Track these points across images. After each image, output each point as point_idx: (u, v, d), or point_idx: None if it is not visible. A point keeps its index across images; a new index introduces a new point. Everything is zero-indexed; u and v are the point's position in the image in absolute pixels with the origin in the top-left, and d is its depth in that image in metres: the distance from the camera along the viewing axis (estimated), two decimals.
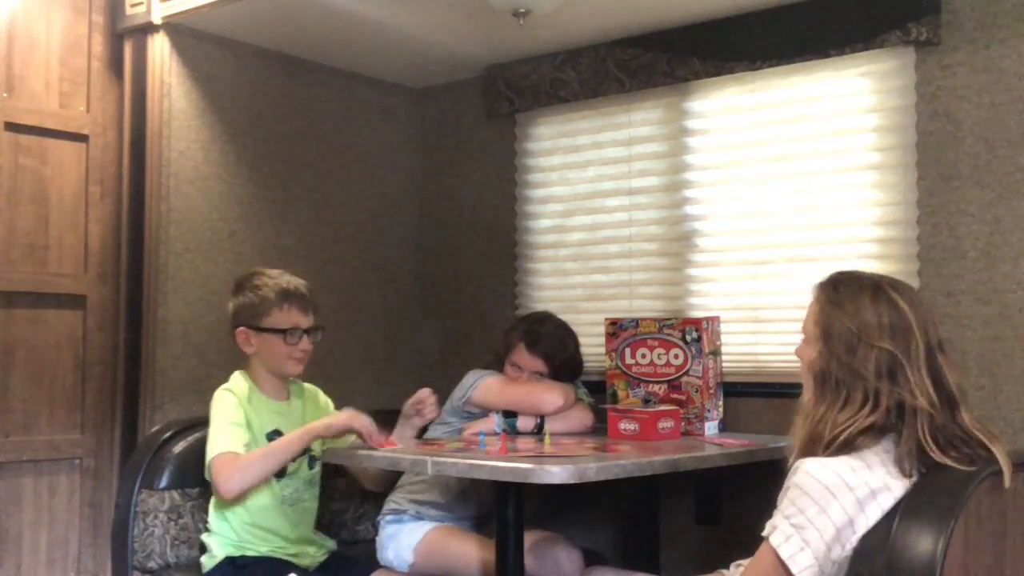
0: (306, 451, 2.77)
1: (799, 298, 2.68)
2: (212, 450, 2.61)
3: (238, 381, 2.76)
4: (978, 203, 2.77)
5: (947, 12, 2.82)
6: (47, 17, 3.29)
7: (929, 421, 1.78)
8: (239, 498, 2.63)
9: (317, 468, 2.84)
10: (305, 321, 2.76)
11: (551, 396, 2.93)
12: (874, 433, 1.80)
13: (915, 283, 2.86)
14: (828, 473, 1.74)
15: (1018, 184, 2.71)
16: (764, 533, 1.77)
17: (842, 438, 1.79)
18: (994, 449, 1.78)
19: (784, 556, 1.72)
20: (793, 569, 1.71)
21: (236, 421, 2.65)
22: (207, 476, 2.62)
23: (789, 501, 1.75)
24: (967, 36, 2.79)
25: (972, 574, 1.70)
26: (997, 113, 2.75)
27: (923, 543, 1.62)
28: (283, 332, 2.72)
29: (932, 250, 2.84)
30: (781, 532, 1.74)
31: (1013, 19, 2.73)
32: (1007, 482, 1.76)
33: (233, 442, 2.61)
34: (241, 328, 2.74)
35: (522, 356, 3.04)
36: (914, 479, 1.78)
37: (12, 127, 3.18)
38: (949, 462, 1.76)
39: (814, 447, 1.83)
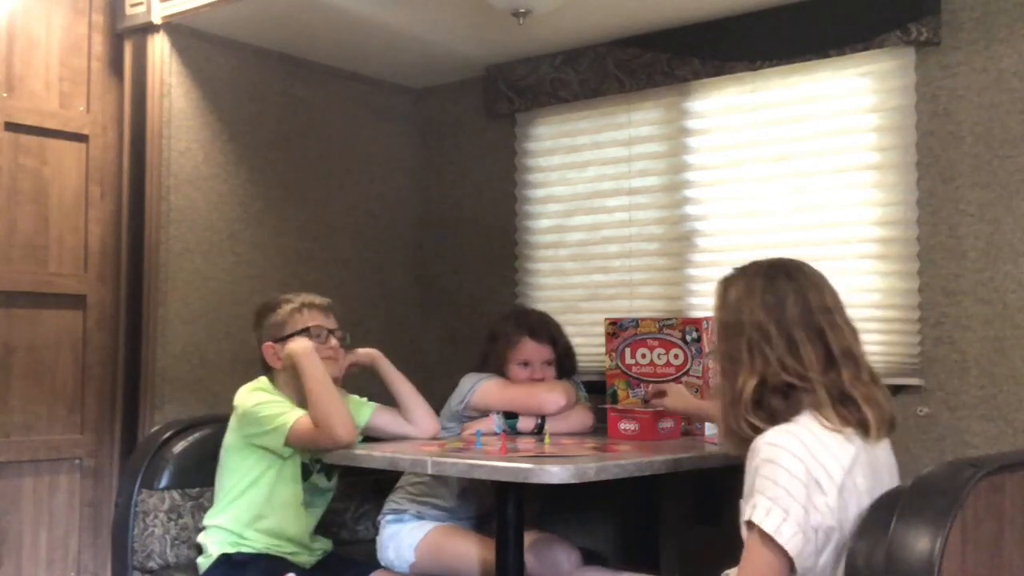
0: (323, 463, 2.77)
1: None
2: (283, 421, 2.59)
3: (264, 383, 2.75)
4: (978, 203, 2.77)
5: (947, 12, 2.82)
6: (47, 17, 3.29)
7: (820, 378, 1.86)
8: (263, 491, 2.66)
9: (334, 480, 2.85)
10: (328, 323, 2.78)
11: (554, 396, 2.93)
12: (777, 393, 1.88)
13: (915, 283, 2.86)
14: (781, 437, 1.79)
15: (1018, 184, 2.71)
16: (744, 517, 1.78)
17: (757, 402, 1.88)
18: (867, 410, 1.85)
19: (769, 530, 1.73)
20: (780, 540, 1.72)
21: (282, 401, 2.67)
22: (281, 446, 2.61)
23: (762, 478, 1.77)
24: (967, 36, 2.79)
25: (970, 574, 1.70)
26: (997, 113, 2.75)
27: (921, 543, 1.62)
28: (307, 331, 2.73)
29: (932, 250, 2.84)
30: (761, 508, 1.75)
31: (1013, 19, 2.73)
32: (873, 436, 1.86)
33: (298, 412, 2.62)
34: (268, 344, 2.74)
35: (528, 348, 3.02)
36: (856, 435, 1.84)
37: (12, 127, 3.18)
38: (846, 417, 1.84)
39: (735, 418, 1.91)
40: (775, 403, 1.87)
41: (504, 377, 3.04)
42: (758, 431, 1.85)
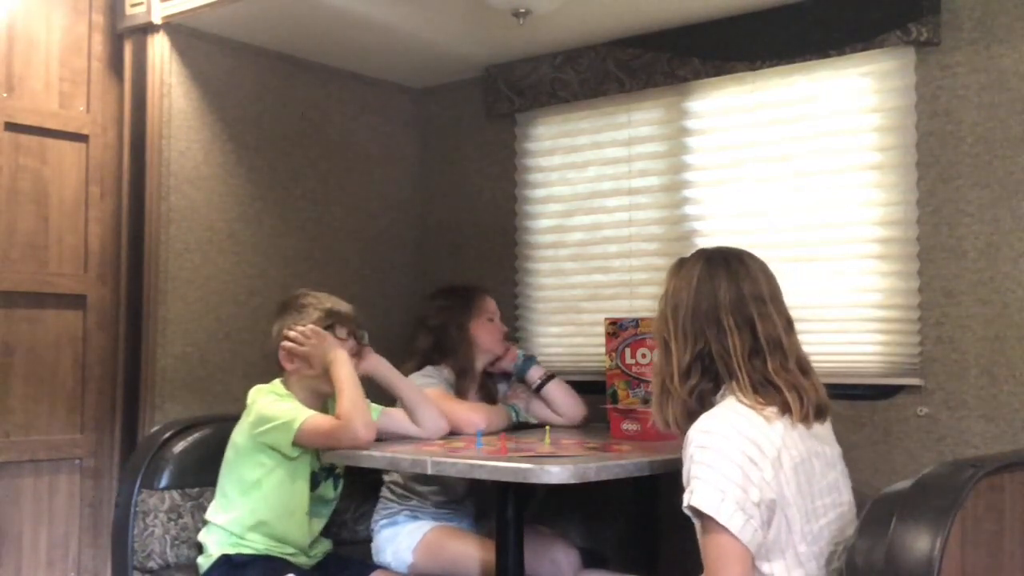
0: (331, 473, 2.79)
1: (799, 298, 2.68)
2: (293, 417, 2.60)
3: (277, 387, 2.76)
4: (978, 203, 2.76)
5: (947, 12, 2.82)
6: (47, 17, 3.29)
7: (744, 364, 1.92)
8: (266, 495, 2.66)
9: (340, 490, 2.85)
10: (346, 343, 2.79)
11: (474, 417, 2.92)
12: (706, 375, 1.96)
13: (915, 283, 2.86)
14: (712, 422, 1.86)
15: (1018, 184, 2.71)
16: (685, 503, 1.83)
17: (686, 385, 1.95)
18: (789, 397, 1.90)
19: (710, 511, 1.78)
20: (721, 520, 1.77)
21: (295, 402, 2.69)
22: (288, 445, 2.61)
23: (697, 464, 1.83)
24: (967, 36, 2.79)
25: (969, 573, 1.70)
26: (997, 113, 2.75)
27: (921, 542, 1.62)
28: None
29: (932, 250, 2.84)
30: (699, 492, 1.80)
31: (1013, 19, 2.73)
32: (797, 419, 1.90)
33: (309, 411, 2.64)
34: (282, 346, 2.74)
35: (490, 303, 3.21)
36: (778, 415, 1.88)
37: (12, 127, 3.18)
38: (754, 401, 1.90)
39: (662, 408, 2.00)
40: (703, 385, 1.95)
41: (468, 344, 3.12)
42: (690, 413, 1.93)
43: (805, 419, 1.91)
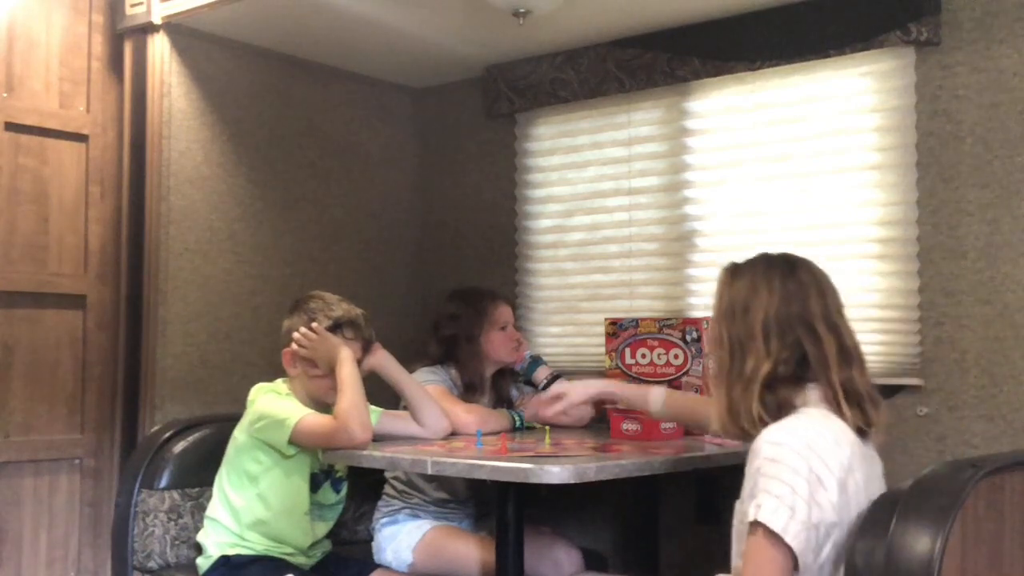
0: (330, 475, 2.78)
1: None
2: (288, 414, 2.59)
3: (279, 386, 2.75)
4: (978, 203, 2.77)
5: (947, 12, 2.82)
6: (47, 17, 3.30)
7: (837, 372, 1.85)
8: (264, 492, 2.66)
9: (343, 493, 2.85)
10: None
11: (470, 419, 2.88)
12: (788, 383, 1.86)
13: (915, 283, 2.87)
14: (786, 435, 1.78)
15: (1018, 184, 2.71)
16: (749, 518, 1.77)
17: (757, 390, 1.86)
18: (870, 408, 1.86)
19: (777, 528, 1.72)
20: (787, 539, 1.71)
21: (295, 402, 2.68)
22: (284, 443, 2.60)
23: (766, 477, 1.76)
24: (967, 36, 2.80)
25: (970, 573, 1.70)
26: (997, 113, 2.75)
27: (921, 542, 1.62)
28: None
29: (932, 250, 2.84)
30: (767, 507, 1.74)
31: (1013, 19, 2.73)
32: (871, 434, 1.86)
33: (307, 410, 2.63)
34: (287, 350, 2.74)
35: (506, 311, 3.12)
36: (853, 433, 1.83)
37: (12, 127, 3.18)
38: (851, 415, 1.84)
39: (735, 413, 1.90)
40: (784, 393, 1.86)
41: (478, 357, 3.07)
42: (762, 421, 1.85)
43: (876, 431, 1.87)
